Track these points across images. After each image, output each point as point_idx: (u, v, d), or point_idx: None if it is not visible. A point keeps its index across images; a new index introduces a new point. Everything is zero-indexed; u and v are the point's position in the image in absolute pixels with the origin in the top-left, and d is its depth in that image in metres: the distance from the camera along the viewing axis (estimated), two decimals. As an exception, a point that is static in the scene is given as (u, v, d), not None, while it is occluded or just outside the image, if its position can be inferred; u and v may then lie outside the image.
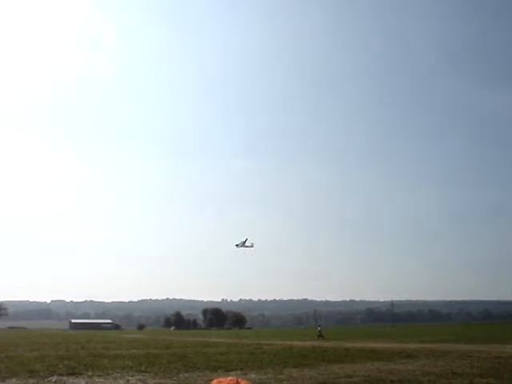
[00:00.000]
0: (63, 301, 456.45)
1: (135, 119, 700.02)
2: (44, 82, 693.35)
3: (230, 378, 2.75)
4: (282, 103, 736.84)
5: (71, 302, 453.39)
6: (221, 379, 2.73)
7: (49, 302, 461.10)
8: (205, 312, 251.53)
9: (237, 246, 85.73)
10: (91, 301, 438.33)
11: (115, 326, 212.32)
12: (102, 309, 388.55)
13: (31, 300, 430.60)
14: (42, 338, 78.19)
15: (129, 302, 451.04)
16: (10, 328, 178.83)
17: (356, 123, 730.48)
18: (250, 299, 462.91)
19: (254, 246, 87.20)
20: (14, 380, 22.77)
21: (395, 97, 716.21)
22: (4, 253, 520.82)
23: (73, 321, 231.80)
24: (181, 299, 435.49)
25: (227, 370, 27.08)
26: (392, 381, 20.81)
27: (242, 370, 26.91)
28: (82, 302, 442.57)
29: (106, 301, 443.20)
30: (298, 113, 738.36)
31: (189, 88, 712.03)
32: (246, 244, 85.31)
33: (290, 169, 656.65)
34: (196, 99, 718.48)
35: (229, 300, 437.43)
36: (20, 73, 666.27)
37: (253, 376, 24.04)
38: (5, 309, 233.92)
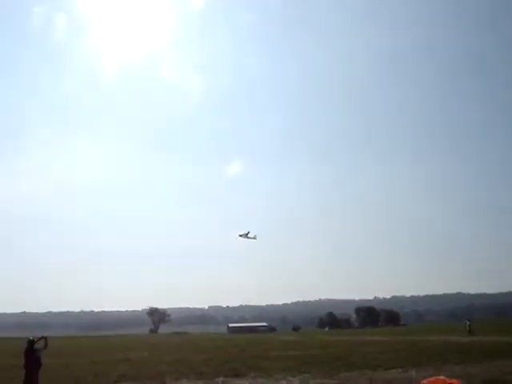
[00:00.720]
0: (220, 306, 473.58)
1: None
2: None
3: (441, 377, 2.72)
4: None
5: (227, 307, 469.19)
6: (432, 379, 2.69)
7: (207, 307, 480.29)
8: (358, 311, 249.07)
9: (240, 236, 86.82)
10: (246, 305, 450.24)
11: (271, 329, 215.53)
12: (257, 312, 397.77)
13: (191, 306, 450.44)
14: (203, 342, 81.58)
15: (283, 304, 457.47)
16: (175, 333, 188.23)
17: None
18: (403, 295, 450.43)
19: (257, 237, 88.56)
20: (184, 381, 24.33)
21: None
22: (164, 264, 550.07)
23: (230, 325, 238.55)
24: (333, 299, 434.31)
25: (387, 368, 26.95)
26: None
27: (401, 367, 26.66)
28: (237, 307, 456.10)
29: (261, 304, 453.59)
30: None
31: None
32: (249, 236, 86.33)
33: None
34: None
35: (381, 297, 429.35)
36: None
37: (413, 374, 23.76)
38: (168, 315, 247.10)
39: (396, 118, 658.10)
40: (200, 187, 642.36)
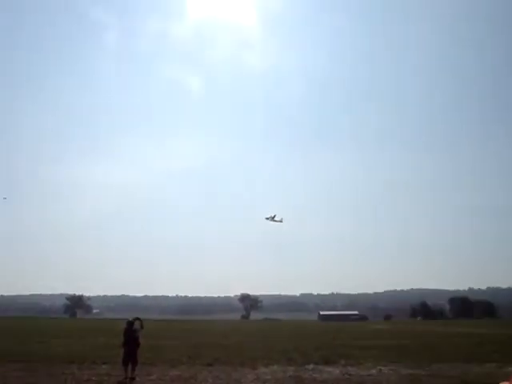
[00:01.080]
0: (311, 294, 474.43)
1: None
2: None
3: None
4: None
5: (318, 294, 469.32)
6: None
7: (298, 295, 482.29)
8: (451, 301, 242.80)
9: (266, 219, 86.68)
10: (337, 293, 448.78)
11: (362, 317, 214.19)
12: (348, 300, 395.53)
13: (282, 294, 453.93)
14: (294, 329, 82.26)
15: (374, 293, 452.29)
16: (266, 319, 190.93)
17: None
18: (499, 287, 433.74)
19: (283, 221, 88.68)
20: (275, 367, 24.71)
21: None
22: (257, 251, 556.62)
23: (321, 312, 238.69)
24: (426, 289, 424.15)
25: (481, 361, 26.28)
26: None
27: (497, 362, 25.90)
28: (328, 295, 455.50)
29: (352, 292, 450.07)
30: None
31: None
32: (275, 219, 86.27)
33: None
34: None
35: (476, 288, 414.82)
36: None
37: (510, 369, 23.05)
38: (260, 301, 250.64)
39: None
40: (301, 180, 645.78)
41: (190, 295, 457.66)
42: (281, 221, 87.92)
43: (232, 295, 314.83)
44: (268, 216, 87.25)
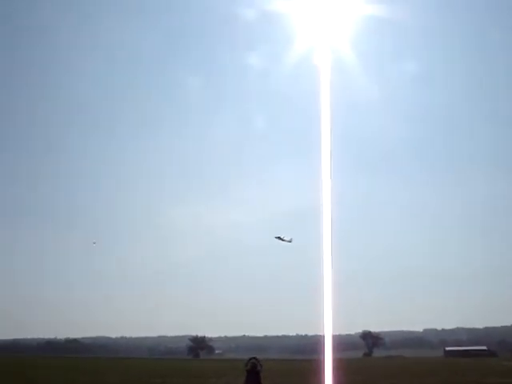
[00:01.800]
0: (435, 329, 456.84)
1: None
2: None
3: None
4: None
5: (442, 329, 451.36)
6: None
7: (421, 330, 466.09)
8: None
9: (276, 238, 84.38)
10: (463, 328, 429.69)
11: (491, 353, 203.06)
12: (475, 335, 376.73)
13: (405, 329, 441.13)
14: (419, 366, 79.68)
15: (502, 326, 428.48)
16: (388, 357, 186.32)
17: None
18: None
19: (292, 241, 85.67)
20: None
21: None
22: (376, 287, 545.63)
23: (447, 348, 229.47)
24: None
25: None
26: None
27: None
28: (453, 329, 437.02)
29: (479, 326, 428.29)
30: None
31: None
32: (285, 239, 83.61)
33: None
34: None
35: None
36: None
37: None
38: (381, 339, 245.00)
39: None
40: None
41: (310, 334, 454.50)
42: (290, 241, 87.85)
43: (353, 332, 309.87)
44: (278, 235, 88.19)
